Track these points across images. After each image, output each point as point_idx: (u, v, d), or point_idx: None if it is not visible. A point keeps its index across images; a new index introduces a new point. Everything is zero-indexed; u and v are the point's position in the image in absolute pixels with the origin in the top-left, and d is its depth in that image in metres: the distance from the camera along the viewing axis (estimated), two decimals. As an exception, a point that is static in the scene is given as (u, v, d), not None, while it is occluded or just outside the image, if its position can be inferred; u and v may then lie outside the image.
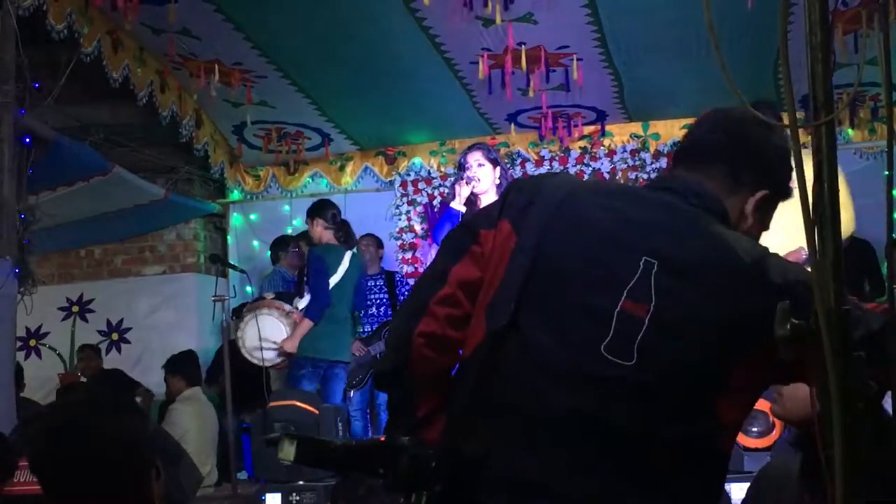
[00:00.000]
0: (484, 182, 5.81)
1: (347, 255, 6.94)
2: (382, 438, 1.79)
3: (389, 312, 7.63)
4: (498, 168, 5.92)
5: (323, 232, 6.94)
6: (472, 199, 5.94)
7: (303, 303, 6.87)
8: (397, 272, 8.04)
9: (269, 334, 6.70)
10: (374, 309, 7.66)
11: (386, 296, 7.68)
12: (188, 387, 6.80)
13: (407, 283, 7.88)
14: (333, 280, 6.78)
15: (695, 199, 1.73)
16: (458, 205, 5.81)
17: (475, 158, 5.90)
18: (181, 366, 6.93)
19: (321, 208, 7.04)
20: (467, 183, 5.80)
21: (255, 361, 6.65)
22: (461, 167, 5.96)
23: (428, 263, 5.80)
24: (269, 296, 7.05)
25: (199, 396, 6.85)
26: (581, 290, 1.66)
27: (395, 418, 1.85)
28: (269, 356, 6.72)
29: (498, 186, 5.80)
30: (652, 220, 1.70)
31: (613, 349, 1.60)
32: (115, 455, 1.84)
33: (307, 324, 6.66)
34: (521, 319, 1.66)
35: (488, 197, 5.89)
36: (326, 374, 6.75)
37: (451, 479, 1.63)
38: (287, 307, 6.84)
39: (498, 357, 1.65)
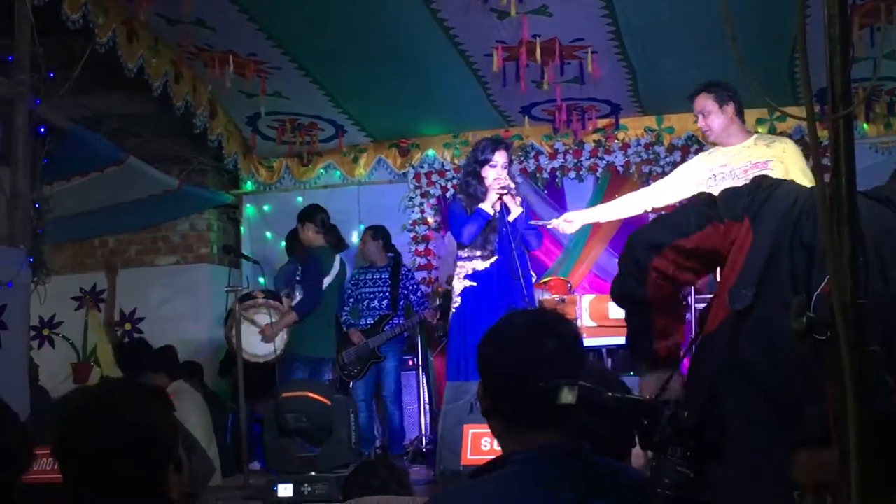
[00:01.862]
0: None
1: (338, 259, 7.22)
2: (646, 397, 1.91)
3: (389, 306, 7.60)
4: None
5: (314, 236, 7.15)
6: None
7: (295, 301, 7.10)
8: (405, 265, 7.95)
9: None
10: (375, 302, 7.63)
11: (388, 289, 7.63)
12: (171, 381, 6.75)
13: (413, 277, 7.85)
14: (325, 282, 7.07)
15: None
16: (488, 207, 5.75)
17: (505, 159, 5.84)
18: (163, 362, 6.92)
19: (311, 213, 7.24)
20: (504, 190, 5.73)
21: (248, 358, 6.76)
22: (482, 161, 5.84)
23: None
24: (260, 295, 7.09)
25: (187, 388, 6.80)
26: (798, 278, 2.01)
27: (635, 338, 2.21)
28: (262, 352, 6.91)
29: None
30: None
31: None
32: (138, 445, 1.83)
33: (292, 316, 6.94)
34: (759, 303, 2.01)
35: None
36: (314, 368, 7.12)
37: (701, 435, 1.81)
38: (281, 307, 7.02)
39: (740, 332, 2.01)
